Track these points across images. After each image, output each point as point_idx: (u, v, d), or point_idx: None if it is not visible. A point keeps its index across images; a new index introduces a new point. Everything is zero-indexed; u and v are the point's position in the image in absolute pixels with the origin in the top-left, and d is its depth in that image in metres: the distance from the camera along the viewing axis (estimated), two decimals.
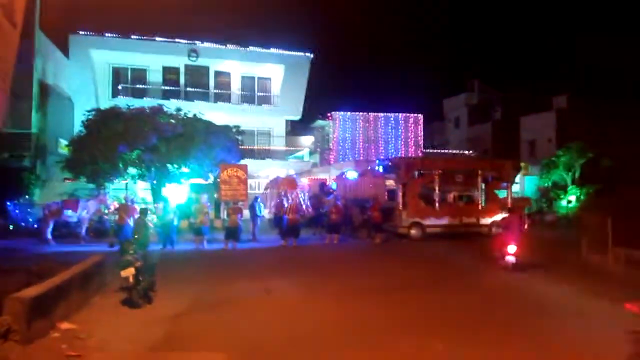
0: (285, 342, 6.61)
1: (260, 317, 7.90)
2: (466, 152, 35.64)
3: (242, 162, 19.97)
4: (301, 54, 30.26)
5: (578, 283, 10.29)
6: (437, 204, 18.39)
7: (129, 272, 8.22)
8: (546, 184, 25.10)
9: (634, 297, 6.78)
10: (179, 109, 19.66)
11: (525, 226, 15.14)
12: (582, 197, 23.14)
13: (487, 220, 18.62)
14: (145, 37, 27.83)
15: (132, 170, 18.29)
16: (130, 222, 14.76)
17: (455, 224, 18.38)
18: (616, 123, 27.08)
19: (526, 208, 20.48)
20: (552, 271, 11.75)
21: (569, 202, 23.15)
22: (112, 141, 16.91)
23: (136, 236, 9.69)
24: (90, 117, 18.32)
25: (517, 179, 21.02)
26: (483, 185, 19.07)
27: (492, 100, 40.82)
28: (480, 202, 18.99)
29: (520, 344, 6.53)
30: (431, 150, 35.56)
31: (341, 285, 10.24)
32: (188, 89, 29.10)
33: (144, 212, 10.58)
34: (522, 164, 20.78)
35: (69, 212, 17.29)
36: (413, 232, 18.12)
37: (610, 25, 57.57)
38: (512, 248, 11.29)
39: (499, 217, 18.68)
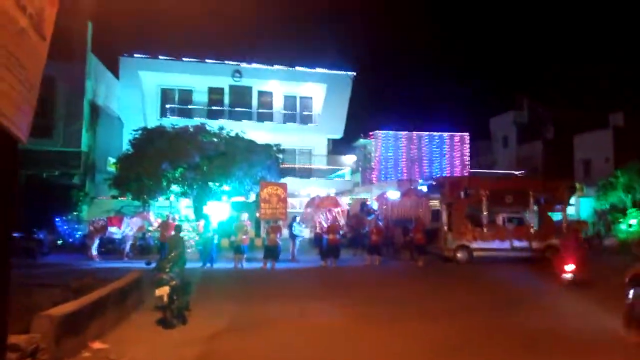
0: None
1: (296, 340, 7.51)
2: (515, 172, 34.20)
3: (283, 180, 19.87)
4: (343, 72, 30.19)
5: None
6: (485, 226, 17.50)
7: (163, 291, 8.06)
8: (603, 207, 23.51)
9: None
10: (221, 128, 19.88)
11: (586, 246, 14.16)
12: None
13: (539, 245, 17.50)
14: (192, 59, 28.62)
15: (175, 188, 18.52)
16: None
17: (504, 247, 17.38)
18: None
19: (582, 232, 19.16)
20: (615, 295, 10.78)
21: (630, 226, 21.53)
22: (156, 159, 17.22)
23: (172, 254, 9.55)
24: (137, 136, 18.79)
25: (572, 200, 19.73)
26: (535, 207, 17.99)
27: (542, 118, 39.14)
28: (532, 224, 17.92)
29: None
30: (478, 170, 34.35)
31: (382, 310, 9.70)
32: (232, 108, 29.56)
33: (178, 229, 10.48)
34: (577, 185, 19.54)
35: (113, 229, 17.63)
36: (459, 255, 17.26)
37: None
38: (569, 266, 10.83)
39: (553, 241, 17.60)
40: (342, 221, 19.27)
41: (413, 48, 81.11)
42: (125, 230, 17.72)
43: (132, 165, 17.62)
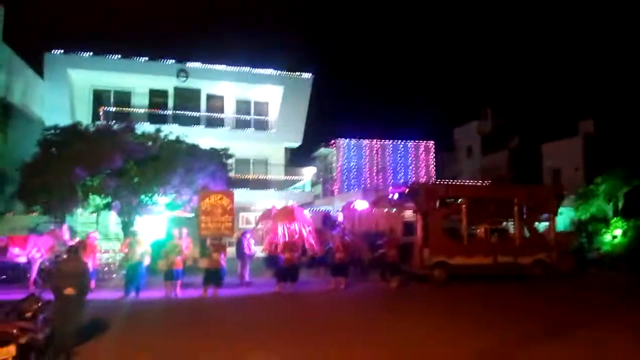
0: None
1: None
2: (480, 182, 32.55)
3: (235, 191, 16.79)
4: (301, 74, 27.57)
5: None
6: (465, 240, 15.16)
7: (6, 354, 5.00)
8: (584, 217, 21.73)
9: None
10: (158, 130, 16.79)
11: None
12: (629, 232, 19.76)
13: (526, 260, 15.32)
14: (130, 57, 25.27)
15: (96, 199, 15.13)
16: (90, 263, 11.91)
17: (488, 263, 15.06)
18: None
19: (572, 244, 17.19)
20: None
21: (614, 237, 19.78)
22: (69, 164, 13.86)
23: (50, 287, 6.54)
24: (48, 137, 15.36)
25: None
26: (520, 217, 15.81)
27: (508, 127, 38.05)
28: (517, 237, 15.72)
29: None
30: (444, 181, 32.54)
31: (350, 356, 6.96)
32: (177, 112, 26.28)
33: (72, 250, 7.43)
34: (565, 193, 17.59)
35: (15, 251, 14.15)
36: (437, 273, 14.82)
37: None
38: None
39: (541, 255, 15.48)
40: (305, 236, 16.25)
41: (378, 56, 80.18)
42: (32, 252, 14.23)
43: (39, 172, 14.14)
